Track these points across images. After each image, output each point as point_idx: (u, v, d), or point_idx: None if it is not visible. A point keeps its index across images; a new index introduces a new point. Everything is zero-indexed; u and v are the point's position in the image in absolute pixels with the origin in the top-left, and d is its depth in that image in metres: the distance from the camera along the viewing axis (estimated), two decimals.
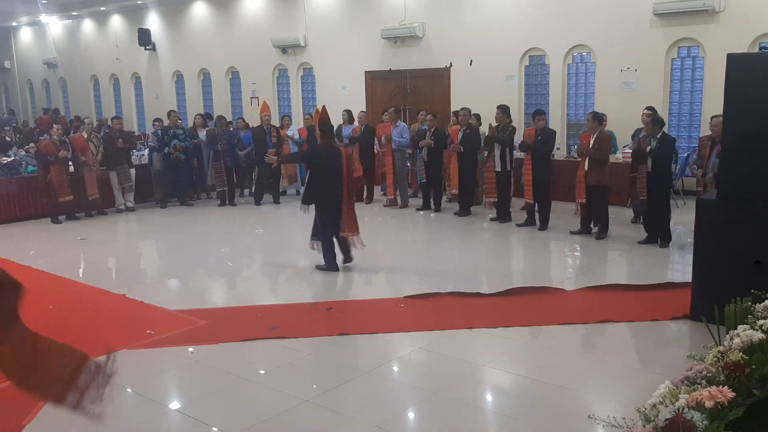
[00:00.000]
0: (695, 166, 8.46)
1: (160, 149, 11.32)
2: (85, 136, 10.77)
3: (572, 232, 8.43)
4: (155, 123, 12.34)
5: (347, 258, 7.20)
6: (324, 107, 7.87)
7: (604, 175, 8.10)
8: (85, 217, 10.66)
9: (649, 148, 7.58)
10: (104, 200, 10.98)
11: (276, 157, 9.17)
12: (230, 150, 11.45)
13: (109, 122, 11.87)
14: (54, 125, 10.68)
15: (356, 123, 11.45)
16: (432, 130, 10.07)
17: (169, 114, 11.96)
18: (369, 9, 13.98)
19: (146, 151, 12.10)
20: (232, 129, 12.19)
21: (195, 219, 10.69)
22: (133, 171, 11.29)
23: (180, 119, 12.11)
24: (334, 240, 7.07)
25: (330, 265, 7.08)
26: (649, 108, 8.88)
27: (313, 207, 7.05)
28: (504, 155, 8.99)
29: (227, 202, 11.52)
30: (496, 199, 9.22)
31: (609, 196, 8.30)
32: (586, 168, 8.06)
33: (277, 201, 11.59)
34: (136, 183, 11.45)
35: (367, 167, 11.14)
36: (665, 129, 7.92)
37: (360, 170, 11.13)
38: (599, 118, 8.20)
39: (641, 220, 8.61)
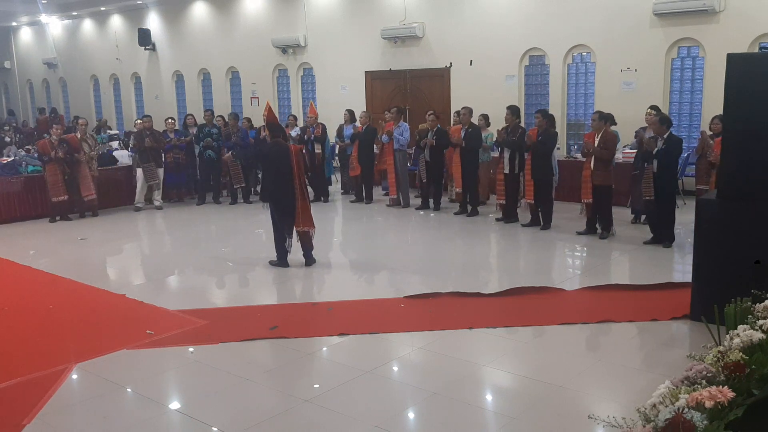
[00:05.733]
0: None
1: (197, 144, 11.56)
2: (79, 136, 10.69)
3: (579, 233, 8.40)
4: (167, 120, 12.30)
5: (308, 259, 7.36)
6: (269, 105, 7.47)
7: (609, 175, 8.07)
8: (79, 218, 10.54)
9: (656, 149, 7.53)
10: (107, 201, 11.06)
11: (228, 153, 9.14)
12: (245, 147, 11.53)
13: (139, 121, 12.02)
14: (54, 125, 10.65)
15: (357, 123, 11.45)
16: (434, 129, 10.07)
17: (204, 113, 12.05)
18: (369, 9, 13.98)
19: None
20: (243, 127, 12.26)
21: (205, 217, 10.70)
22: (161, 170, 11.31)
23: (218, 118, 12.16)
24: (294, 237, 7.30)
25: (281, 261, 7.31)
26: (653, 107, 8.87)
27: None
28: (513, 157, 8.97)
29: (244, 201, 11.63)
30: (504, 201, 9.21)
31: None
32: (591, 167, 8.05)
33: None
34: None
35: (365, 167, 11.14)
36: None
37: (358, 169, 11.14)
38: (605, 118, 8.10)
39: (643, 220, 8.61)
